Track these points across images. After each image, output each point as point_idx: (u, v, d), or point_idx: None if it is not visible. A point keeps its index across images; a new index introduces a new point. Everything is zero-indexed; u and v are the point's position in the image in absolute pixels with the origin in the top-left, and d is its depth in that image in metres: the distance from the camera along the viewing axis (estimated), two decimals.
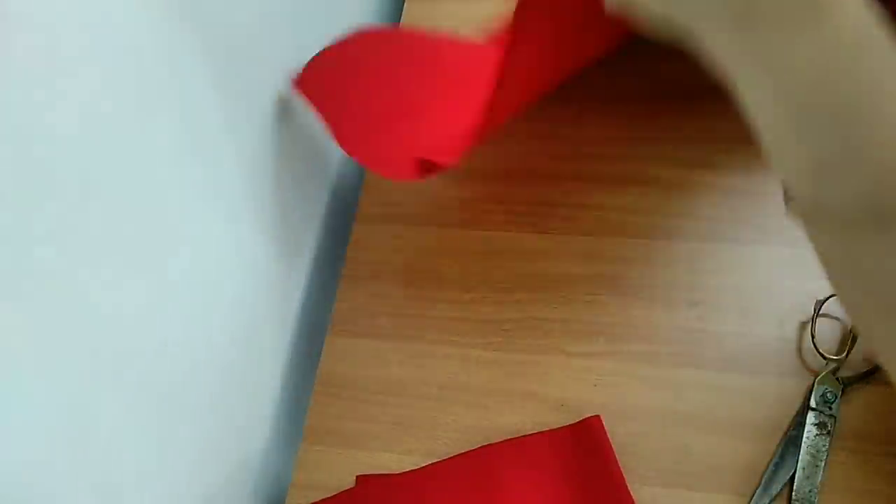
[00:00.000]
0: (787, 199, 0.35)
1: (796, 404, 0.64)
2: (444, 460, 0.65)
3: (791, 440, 0.62)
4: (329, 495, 0.65)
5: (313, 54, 0.73)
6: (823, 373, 0.64)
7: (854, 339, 0.64)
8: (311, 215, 0.79)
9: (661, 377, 0.67)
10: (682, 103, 0.80)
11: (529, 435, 0.65)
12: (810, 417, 0.62)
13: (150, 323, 0.51)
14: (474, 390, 0.69)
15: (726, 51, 0.31)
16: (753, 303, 0.69)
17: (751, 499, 0.60)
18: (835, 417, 0.62)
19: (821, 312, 0.66)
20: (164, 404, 0.53)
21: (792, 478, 0.60)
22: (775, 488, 0.60)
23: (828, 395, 0.63)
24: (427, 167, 0.59)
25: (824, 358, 0.64)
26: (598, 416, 0.65)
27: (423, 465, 0.65)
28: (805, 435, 0.62)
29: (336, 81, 0.67)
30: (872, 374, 0.63)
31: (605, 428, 0.64)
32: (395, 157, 0.62)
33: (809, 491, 0.60)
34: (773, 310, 0.69)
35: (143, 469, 0.51)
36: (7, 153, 0.37)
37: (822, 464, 0.60)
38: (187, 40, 0.52)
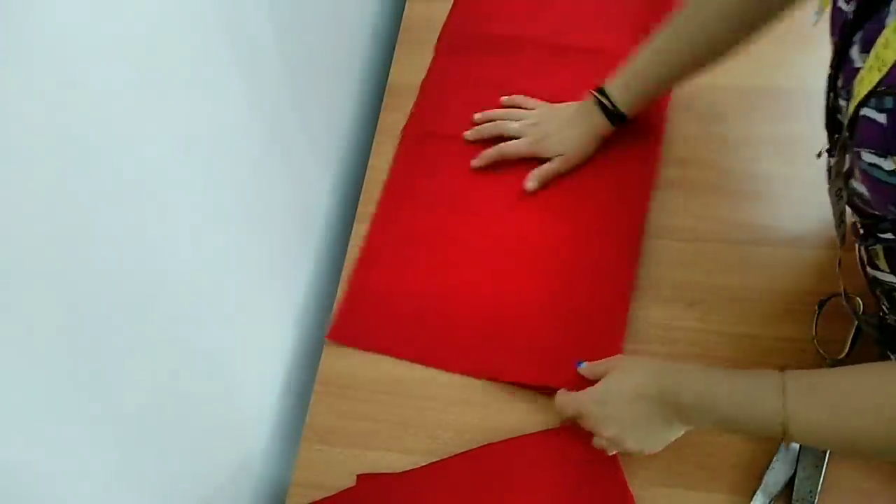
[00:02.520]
0: None
1: None
2: (445, 459, 0.65)
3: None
4: (329, 494, 0.65)
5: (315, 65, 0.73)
6: None
7: (856, 339, 0.64)
8: (312, 215, 0.79)
9: None
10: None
11: (530, 434, 0.65)
12: None
13: (150, 322, 0.51)
14: (474, 390, 0.69)
15: None
16: (753, 302, 0.69)
17: (751, 499, 0.60)
18: None
19: (822, 312, 0.66)
20: (165, 405, 0.53)
21: (792, 478, 0.60)
22: (775, 488, 0.60)
23: None
24: None
25: (826, 357, 0.64)
26: None
27: (424, 464, 0.65)
28: None
29: None
30: None
31: None
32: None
33: (809, 491, 0.60)
34: (774, 309, 0.69)
35: (144, 469, 0.51)
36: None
37: (822, 464, 0.60)
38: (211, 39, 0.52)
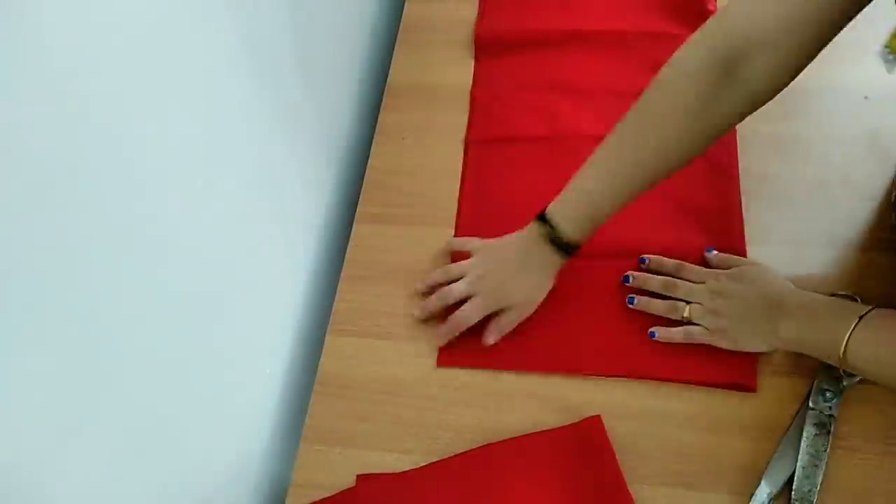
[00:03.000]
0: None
1: (796, 404, 0.64)
2: (445, 459, 0.65)
3: (790, 440, 0.62)
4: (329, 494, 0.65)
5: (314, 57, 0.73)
6: (824, 372, 0.64)
7: None
8: (312, 215, 0.79)
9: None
10: None
11: (530, 434, 0.65)
12: (810, 417, 0.62)
13: (150, 322, 0.51)
14: (474, 390, 0.69)
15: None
16: None
17: (751, 498, 0.60)
18: (834, 417, 0.62)
19: None
20: (165, 405, 0.53)
21: (791, 477, 0.60)
22: (775, 487, 0.60)
23: (828, 394, 0.63)
24: None
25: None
26: (598, 416, 0.65)
27: (424, 464, 0.65)
28: (804, 435, 0.62)
29: None
30: None
31: (605, 428, 0.64)
32: None
33: (809, 490, 0.60)
34: None
35: (144, 469, 0.52)
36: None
37: (822, 463, 0.60)
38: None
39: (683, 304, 0.67)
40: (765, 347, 0.64)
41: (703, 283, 0.68)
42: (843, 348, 0.57)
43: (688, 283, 0.68)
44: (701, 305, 0.66)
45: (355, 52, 0.89)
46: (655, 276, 0.70)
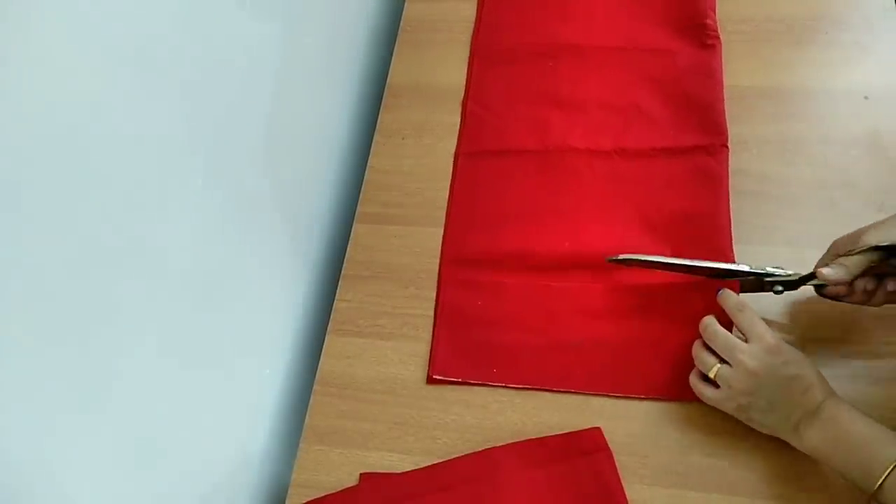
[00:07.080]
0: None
1: None
2: (447, 461, 0.65)
3: None
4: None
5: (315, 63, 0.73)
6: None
7: None
8: (312, 215, 0.79)
9: None
10: None
11: (531, 440, 0.65)
12: None
13: (151, 322, 0.51)
14: (474, 390, 0.69)
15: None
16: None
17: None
18: None
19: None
20: (165, 404, 0.53)
21: None
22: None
23: None
24: None
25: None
26: (598, 428, 0.65)
27: (423, 464, 0.65)
28: None
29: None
30: None
31: (605, 432, 0.64)
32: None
33: None
34: (772, 311, 0.68)
35: (144, 468, 0.52)
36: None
37: None
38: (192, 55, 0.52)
39: (714, 361, 0.61)
40: (791, 442, 0.59)
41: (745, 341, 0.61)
42: (880, 482, 0.52)
43: (728, 337, 0.61)
44: (730, 368, 0.60)
45: (355, 52, 0.89)
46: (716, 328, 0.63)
